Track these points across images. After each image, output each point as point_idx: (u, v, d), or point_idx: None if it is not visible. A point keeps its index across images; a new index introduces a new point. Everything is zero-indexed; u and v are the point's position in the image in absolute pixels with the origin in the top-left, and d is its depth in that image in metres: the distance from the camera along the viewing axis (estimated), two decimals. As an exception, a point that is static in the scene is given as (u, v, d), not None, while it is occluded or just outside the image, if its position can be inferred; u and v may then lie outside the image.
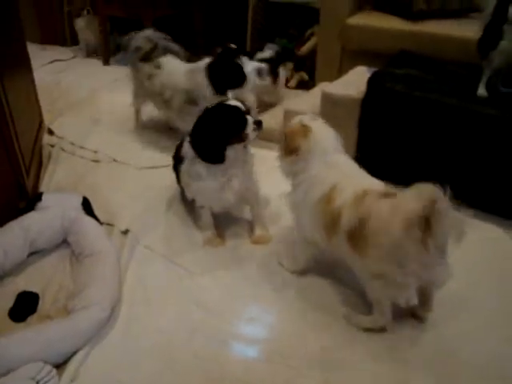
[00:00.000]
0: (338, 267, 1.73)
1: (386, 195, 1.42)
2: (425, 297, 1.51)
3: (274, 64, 3.02)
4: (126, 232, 1.95)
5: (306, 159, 1.59)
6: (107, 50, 4.05)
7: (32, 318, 1.56)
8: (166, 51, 2.63)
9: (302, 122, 1.65)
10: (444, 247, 1.36)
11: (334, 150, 1.62)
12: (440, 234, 1.29)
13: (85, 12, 4.05)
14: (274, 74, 3.00)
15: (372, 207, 1.39)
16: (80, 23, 4.12)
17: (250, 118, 1.75)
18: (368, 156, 2.31)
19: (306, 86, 3.45)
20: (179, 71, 2.48)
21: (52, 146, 2.64)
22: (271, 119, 2.62)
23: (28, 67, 2.60)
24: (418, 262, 1.33)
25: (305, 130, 1.61)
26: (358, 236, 1.41)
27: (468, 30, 2.62)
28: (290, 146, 1.61)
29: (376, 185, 1.52)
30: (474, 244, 1.73)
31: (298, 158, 1.60)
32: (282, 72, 3.17)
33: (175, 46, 2.69)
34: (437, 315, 1.55)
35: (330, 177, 1.55)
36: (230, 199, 1.84)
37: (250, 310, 1.63)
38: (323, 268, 1.77)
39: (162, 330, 1.53)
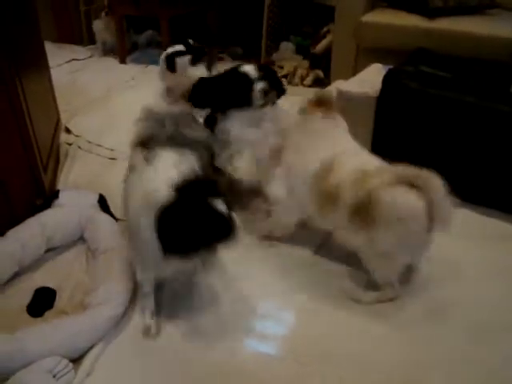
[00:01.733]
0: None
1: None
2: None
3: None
4: (141, 229, 1.97)
5: None
6: (123, 49, 4.08)
7: (49, 314, 1.58)
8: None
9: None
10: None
11: None
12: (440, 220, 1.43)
13: (103, 14, 4.08)
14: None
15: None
16: (98, 25, 4.16)
17: (257, 85, 1.76)
18: (383, 153, 2.30)
19: (321, 83, 3.45)
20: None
21: (69, 144, 2.67)
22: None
23: (45, 66, 2.62)
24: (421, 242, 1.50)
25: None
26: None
27: (486, 26, 2.61)
28: None
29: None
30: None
31: None
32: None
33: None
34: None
35: None
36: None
37: (264, 307, 1.64)
38: (336, 265, 1.78)
39: (175, 326, 1.55)
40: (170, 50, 3.13)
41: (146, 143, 1.52)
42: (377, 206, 1.44)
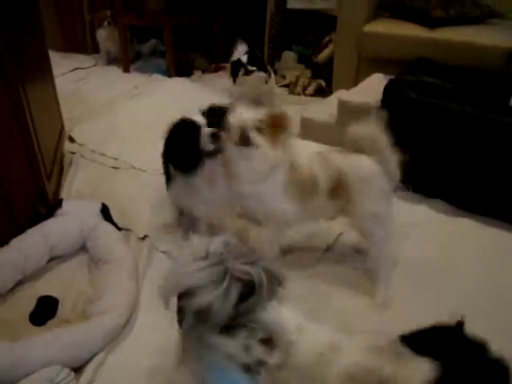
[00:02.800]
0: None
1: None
2: None
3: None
4: (143, 238, 1.98)
5: None
6: (127, 58, 4.11)
7: (51, 322, 1.59)
8: None
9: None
10: None
11: None
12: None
13: (105, 23, 4.11)
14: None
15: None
16: (102, 34, 4.19)
17: (205, 131, 1.72)
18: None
19: (323, 93, 3.47)
20: None
21: (73, 153, 2.68)
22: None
23: (50, 75, 2.65)
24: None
25: None
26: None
27: (486, 36, 2.62)
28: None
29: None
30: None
31: None
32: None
33: None
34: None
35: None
36: None
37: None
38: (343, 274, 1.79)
39: (178, 338, 1.55)
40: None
41: None
42: (346, 177, 1.61)
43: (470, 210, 2.10)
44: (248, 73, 3.04)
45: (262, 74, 3.06)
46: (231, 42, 3.40)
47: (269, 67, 3.27)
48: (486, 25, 2.85)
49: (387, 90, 2.19)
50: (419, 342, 0.98)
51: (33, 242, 1.77)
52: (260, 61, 3.17)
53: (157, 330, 1.56)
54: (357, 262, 1.85)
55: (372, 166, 1.64)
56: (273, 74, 3.28)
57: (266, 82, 3.11)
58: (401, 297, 1.67)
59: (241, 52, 3.22)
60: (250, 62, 3.08)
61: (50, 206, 1.96)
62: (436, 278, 1.77)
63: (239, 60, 3.10)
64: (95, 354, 1.45)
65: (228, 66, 3.29)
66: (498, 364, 0.96)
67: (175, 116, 1.79)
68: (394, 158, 1.65)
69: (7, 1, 1.86)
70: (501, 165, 1.99)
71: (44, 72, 2.54)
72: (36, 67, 2.33)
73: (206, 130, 1.73)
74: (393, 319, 1.56)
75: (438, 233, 2.02)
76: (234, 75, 3.14)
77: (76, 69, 4.17)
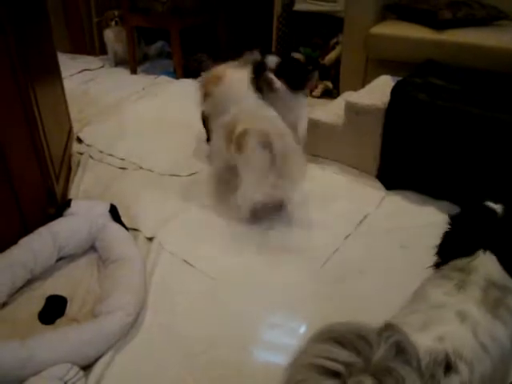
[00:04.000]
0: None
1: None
2: None
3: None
4: (151, 238, 1.99)
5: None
6: (134, 60, 4.13)
7: (60, 321, 1.60)
8: None
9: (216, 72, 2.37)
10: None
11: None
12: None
13: (113, 23, 4.13)
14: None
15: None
16: (109, 34, 4.21)
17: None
18: (392, 165, 2.32)
19: (330, 95, 3.47)
20: None
21: (81, 153, 2.70)
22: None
23: (58, 76, 2.66)
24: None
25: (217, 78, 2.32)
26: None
27: (494, 38, 2.61)
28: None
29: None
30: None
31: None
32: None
33: None
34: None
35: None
36: None
37: (274, 316, 1.65)
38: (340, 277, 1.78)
39: (185, 337, 1.56)
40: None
41: None
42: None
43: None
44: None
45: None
46: (238, 44, 3.39)
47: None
48: (493, 26, 2.84)
49: (395, 91, 2.19)
50: None
51: (42, 242, 1.78)
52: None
53: (164, 329, 1.58)
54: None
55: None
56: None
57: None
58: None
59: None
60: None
61: (59, 206, 1.97)
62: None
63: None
64: (104, 353, 1.45)
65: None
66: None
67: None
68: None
69: (17, 5, 1.88)
70: (510, 166, 1.99)
71: (53, 74, 2.55)
72: (45, 69, 2.35)
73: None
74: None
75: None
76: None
77: (84, 70, 4.19)
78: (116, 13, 4.08)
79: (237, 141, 1.98)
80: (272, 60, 2.36)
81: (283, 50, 3.94)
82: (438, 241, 1.95)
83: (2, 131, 1.72)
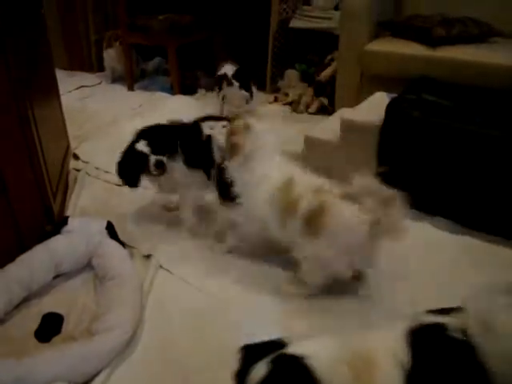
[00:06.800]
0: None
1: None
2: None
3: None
4: (148, 256, 2.00)
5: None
6: (132, 76, 4.17)
7: (57, 339, 1.60)
8: None
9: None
10: None
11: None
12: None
13: (117, 43, 4.17)
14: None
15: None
16: (111, 53, 4.26)
17: (152, 160, 1.99)
18: (387, 182, 2.33)
19: (326, 111, 3.49)
20: None
21: (78, 170, 2.71)
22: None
23: (56, 93, 2.68)
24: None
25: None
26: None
27: (488, 55, 2.64)
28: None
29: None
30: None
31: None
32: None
33: None
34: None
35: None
36: None
37: (273, 334, 1.64)
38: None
39: (182, 354, 1.55)
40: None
41: None
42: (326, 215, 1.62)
43: (473, 228, 2.10)
44: (230, 84, 3.08)
45: (244, 93, 3.11)
46: (234, 61, 3.43)
47: (254, 88, 3.37)
48: (486, 43, 2.87)
49: (389, 108, 2.21)
50: None
51: (39, 259, 1.79)
52: (245, 80, 3.21)
53: (161, 347, 1.57)
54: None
55: (355, 218, 1.60)
56: (255, 97, 3.38)
57: (247, 102, 3.15)
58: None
59: (228, 69, 3.27)
60: (236, 77, 3.13)
61: (56, 224, 1.98)
62: (441, 294, 1.77)
63: (225, 74, 3.15)
64: (100, 370, 1.45)
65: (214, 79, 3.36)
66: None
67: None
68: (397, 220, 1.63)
69: (16, 24, 1.90)
70: (504, 182, 2.00)
71: (51, 90, 2.57)
72: (43, 86, 2.37)
73: (152, 159, 1.99)
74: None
75: (440, 250, 2.03)
76: (219, 89, 3.20)
77: (81, 87, 4.23)
78: (120, 33, 4.12)
79: (309, 220, 1.65)
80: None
81: (279, 66, 3.98)
82: (432, 256, 1.98)
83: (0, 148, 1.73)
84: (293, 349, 1.06)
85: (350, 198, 1.63)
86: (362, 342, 1.08)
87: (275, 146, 1.85)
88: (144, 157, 2.00)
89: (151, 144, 2.01)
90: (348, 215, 1.61)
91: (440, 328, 1.03)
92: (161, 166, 2.01)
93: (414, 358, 1.00)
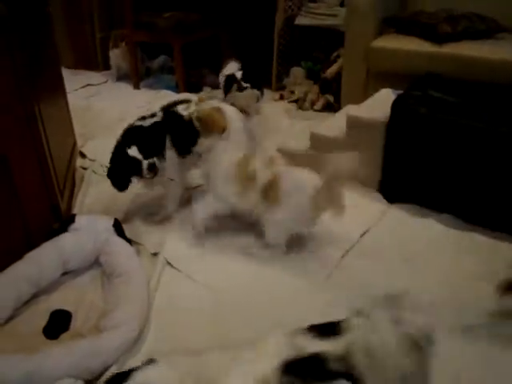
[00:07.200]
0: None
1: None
2: None
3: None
4: (155, 253, 2.01)
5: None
6: (137, 75, 4.17)
7: (65, 336, 1.61)
8: None
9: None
10: None
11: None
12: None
13: (123, 44, 4.18)
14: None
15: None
16: (117, 53, 4.27)
17: (144, 164, 2.02)
18: (394, 178, 2.33)
19: (331, 108, 3.49)
20: None
21: (84, 168, 2.72)
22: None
23: (63, 92, 2.69)
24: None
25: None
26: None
27: (494, 51, 2.63)
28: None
29: None
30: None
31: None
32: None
33: None
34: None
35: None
36: None
37: (279, 330, 1.64)
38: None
39: (188, 352, 1.56)
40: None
41: None
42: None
43: (479, 224, 2.10)
44: (241, 89, 3.07)
45: (256, 92, 3.10)
46: (240, 58, 3.42)
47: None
48: (493, 39, 2.86)
49: (395, 105, 2.21)
50: None
51: (47, 256, 1.80)
52: (255, 78, 3.19)
53: (168, 344, 1.58)
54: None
55: (310, 180, 1.84)
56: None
57: (258, 100, 3.14)
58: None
59: (233, 68, 3.24)
60: (245, 78, 3.12)
61: (63, 221, 1.99)
62: (448, 292, 1.78)
63: (233, 75, 3.13)
64: (108, 367, 1.46)
65: (221, 80, 3.31)
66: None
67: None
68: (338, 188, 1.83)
69: (24, 24, 1.91)
70: (510, 179, 2.00)
71: (57, 89, 2.58)
72: (50, 85, 2.38)
73: (145, 164, 2.02)
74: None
75: (447, 247, 2.03)
76: (227, 90, 3.18)
77: (87, 85, 4.24)
78: (125, 32, 4.11)
79: (266, 190, 1.89)
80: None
81: (284, 63, 3.98)
82: (440, 254, 1.98)
83: (8, 147, 1.74)
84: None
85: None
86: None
87: (242, 127, 2.12)
88: (137, 162, 2.02)
89: (142, 149, 2.02)
90: (296, 177, 1.88)
91: (318, 361, 0.94)
92: (153, 169, 2.04)
93: None
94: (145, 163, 2.02)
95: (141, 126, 2.11)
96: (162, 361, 1.13)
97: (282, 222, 1.91)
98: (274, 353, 1.02)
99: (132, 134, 2.08)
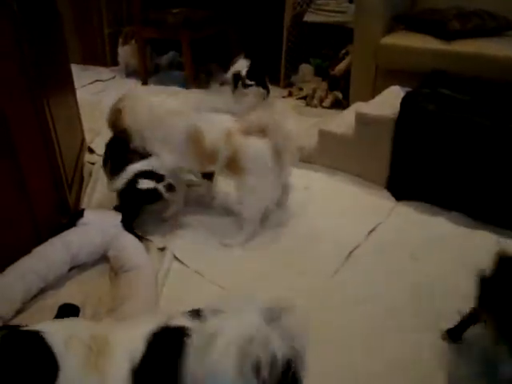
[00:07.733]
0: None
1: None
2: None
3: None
4: (163, 249, 2.01)
5: None
6: (146, 71, 4.18)
7: (72, 330, 1.62)
8: None
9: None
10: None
11: None
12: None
13: (133, 41, 4.19)
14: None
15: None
16: (127, 50, 4.28)
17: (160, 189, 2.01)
18: (402, 176, 2.32)
19: (340, 105, 3.48)
20: None
21: (92, 163, 2.73)
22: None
23: (72, 88, 2.70)
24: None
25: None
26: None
27: (504, 48, 2.62)
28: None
29: None
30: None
31: None
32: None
33: None
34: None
35: None
36: None
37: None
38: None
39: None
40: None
41: None
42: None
43: (489, 223, 2.09)
44: (246, 86, 3.06)
45: (262, 90, 3.08)
46: (248, 55, 3.41)
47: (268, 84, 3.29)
48: (503, 37, 2.84)
49: (404, 102, 2.20)
50: None
51: (55, 251, 1.81)
52: (261, 76, 3.17)
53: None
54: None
55: (260, 148, 1.92)
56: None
57: (264, 99, 3.13)
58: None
59: (242, 65, 3.22)
60: (249, 76, 3.09)
61: (72, 216, 2.00)
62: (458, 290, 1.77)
63: (240, 74, 3.11)
64: (116, 362, 1.46)
65: (229, 76, 3.30)
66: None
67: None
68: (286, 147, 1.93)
69: (33, 20, 1.91)
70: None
71: (66, 85, 2.59)
72: (59, 81, 2.38)
73: (161, 189, 2.02)
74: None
75: (456, 245, 2.02)
76: (235, 87, 3.16)
77: (96, 81, 4.25)
78: (135, 29, 4.12)
79: (229, 162, 1.96)
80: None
81: (293, 60, 3.97)
82: (449, 252, 1.97)
83: (17, 142, 1.75)
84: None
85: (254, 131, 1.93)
86: (108, 329, 1.08)
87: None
88: (153, 191, 2.01)
89: (152, 176, 2.01)
90: (256, 147, 1.92)
91: (179, 332, 1.01)
92: (171, 187, 2.04)
93: (144, 359, 1.00)
94: (161, 187, 2.01)
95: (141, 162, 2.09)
96: None
97: (255, 188, 1.96)
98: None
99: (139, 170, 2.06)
